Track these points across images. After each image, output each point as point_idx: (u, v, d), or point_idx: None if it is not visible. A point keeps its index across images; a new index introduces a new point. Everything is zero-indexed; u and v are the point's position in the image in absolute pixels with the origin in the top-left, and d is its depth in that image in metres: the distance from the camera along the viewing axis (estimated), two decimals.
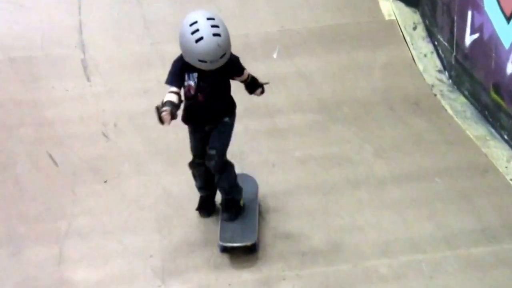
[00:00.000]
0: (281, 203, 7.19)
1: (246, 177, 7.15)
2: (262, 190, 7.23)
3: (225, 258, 6.72)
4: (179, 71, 5.99)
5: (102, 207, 7.23)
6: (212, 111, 6.25)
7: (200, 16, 5.70)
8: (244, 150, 7.77)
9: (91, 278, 6.52)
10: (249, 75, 6.48)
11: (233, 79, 6.35)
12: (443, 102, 8.40)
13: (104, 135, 7.93)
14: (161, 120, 5.96)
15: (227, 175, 6.57)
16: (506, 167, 7.56)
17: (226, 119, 6.39)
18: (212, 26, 5.63)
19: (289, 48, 8.87)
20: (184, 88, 6.08)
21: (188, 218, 7.24)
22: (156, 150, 7.87)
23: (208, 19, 5.65)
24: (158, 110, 5.86)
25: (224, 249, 6.51)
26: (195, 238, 6.99)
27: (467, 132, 8.01)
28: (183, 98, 6.15)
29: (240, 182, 6.82)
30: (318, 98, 8.36)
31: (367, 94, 8.37)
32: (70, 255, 6.66)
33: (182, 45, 5.84)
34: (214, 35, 5.58)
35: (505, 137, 7.73)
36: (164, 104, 5.88)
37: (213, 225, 6.96)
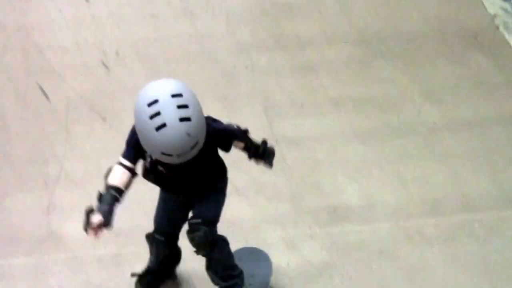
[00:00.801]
0: (310, 150, 7.24)
1: (252, 253, 6.41)
2: (288, 133, 7.26)
3: (240, 211, 6.77)
4: (137, 145, 4.98)
5: (99, 149, 7.27)
6: (189, 185, 5.44)
7: (162, 93, 4.64)
8: (268, 88, 7.78)
9: (83, 231, 6.59)
10: (251, 143, 5.58)
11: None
12: (507, 36, 8.41)
13: (104, 65, 7.97)
14: (86, 230, 5.13)
15: (220, 253, 5.74)
16: None
17: (215, 185, 5.63)
18: (179, 106, 4.58)
19: None
20: (145, 162, 5.21)
21: None
22: None
23: (173, 96, 4.60)
24: (87, 214, 5.05)
25: None
26: None
27: None
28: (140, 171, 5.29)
29: (240, 261, 6.01)
30: (358, 29, 8.33)
31: (416, 25, 8.34)
32: (61, 203, 6.74)
33: (138, 130, 4.82)
34: (182, 119, 4.56)
35: None
36: (100, 198, 5.07)
37: None
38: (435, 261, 6.43)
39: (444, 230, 6.60)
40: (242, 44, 8.36)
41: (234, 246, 6.22)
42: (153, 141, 4.60)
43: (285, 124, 7.46)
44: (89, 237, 5.03)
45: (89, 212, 4.98)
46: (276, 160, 6.35)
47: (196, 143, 4.71)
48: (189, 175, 5.26)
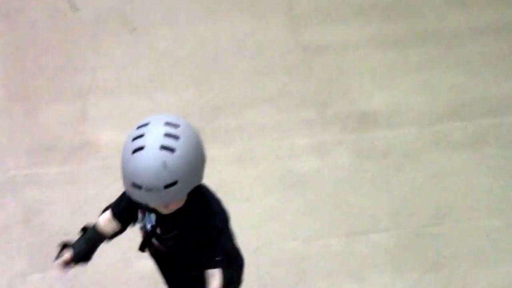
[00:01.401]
0: (336, 57, 7.24)
1: None
2: (314, 41, 7.23)
3: (267, 119, 6.88)
4: (128, 203, 4.33)
5: (129, 59, 7.28)
6: (179, 267, 4.58)
7: (156, 118, 3.97)
8: None
9: (118, 140, 6.60)
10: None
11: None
12: None
13: None
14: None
15: None
16: None
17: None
18: (167, 135, 3.80)
19: None
20: (140, 230, 4.43)
21: (227, 73, 7.26)
22: None
23: (166, 123, 3.87)
24: (61, 248, 4.51)
25: None
26: (235, 96, 7.04)
27: None
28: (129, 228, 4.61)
29: None
30: None
31: None
32: (94, 113, 6.83)
33: (121, 158, 4.08)
34: (164, 148, 3.76)
35: None
36: (83, 233, 4.54)
37: None
38: (462, 165, 6.50)
39: (471, 134, 6.64)
40: None
41: (263, 154, 6.53)
42: (126, 166, 3.84)
43: (311, 32, 7.45)
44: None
45: (63, 246, 4.43)
46: (302, 69, 6.70)
47: (173, 184, 3.82)
48: (180, 256, 4.40)
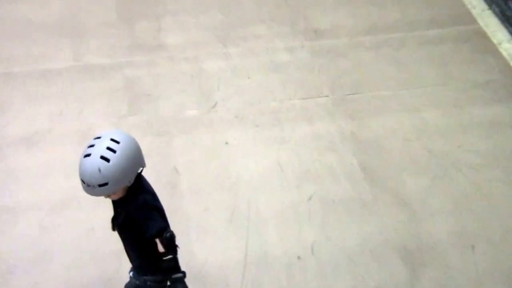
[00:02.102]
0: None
1: None
2: None
3: (261, 32, 7.04)
4: None
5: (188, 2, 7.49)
6: (130, 259, 4.20)
7: (107, 134, 3.81)
8: None
9: (178, 42, 7.12)
10: (166, 252, 3.92)
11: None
12: None
13: None
14: None
15: None
16: None
17: (140, 280, 4.18)
18: (108, 148, 3.71)
19: None
20: None
21: (240, 4, 7.51)
22: None
23: (111, 139, 3.75)
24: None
25: None
26: (243, 18, 7.26)
27: None
28: None
29: None
30: None
31: None
32: (166, 27, 7.29)
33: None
34: (102, 157, 3.68)
35: None
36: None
37: None
38: (370, 59, 6.78)
39: (374, 43, 6.92)
40: None
41: (258, 51, 6.85)
42: (79, 166, 3.74)
43: None
44: None
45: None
46: (281, 3, 7.19)
47: (105, 184, 3.72)
48: (127, 250, 4.14)
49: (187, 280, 3.94)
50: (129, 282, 4.18)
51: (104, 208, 4.53)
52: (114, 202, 3.95)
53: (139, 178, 3.92)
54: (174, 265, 3.96)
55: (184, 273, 4.02)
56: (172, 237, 3.92)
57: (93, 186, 3.70)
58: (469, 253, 5.10)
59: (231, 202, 5.49)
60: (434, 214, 5.39)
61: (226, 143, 6.01)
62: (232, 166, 5.79)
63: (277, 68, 6.75)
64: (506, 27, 7.06)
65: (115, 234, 3.96)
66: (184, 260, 4.57)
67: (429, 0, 7.47)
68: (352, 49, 6.95)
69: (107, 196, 3.81)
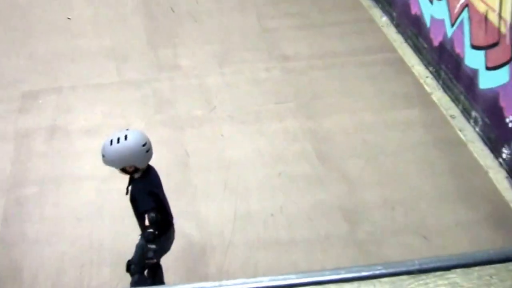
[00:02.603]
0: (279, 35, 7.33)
1: None
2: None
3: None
4: None
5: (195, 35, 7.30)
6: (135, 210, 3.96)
7: (128, 131, 3.74)
8: None
9: (189, 63, 6.86)
10: (148, 227, 3.72)
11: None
12: None
13: None
14: None
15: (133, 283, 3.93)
16: (381, 18, 7.53)
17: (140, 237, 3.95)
18: (118, 138, 3.70)
19: None
20: None
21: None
22: None
23: (125, 135, 3.70)
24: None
25: None
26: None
27: (361, 1, 7.83)
28: None
29: None
30: None
31: None
32: (180, 53, 7.04)
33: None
34: (111, 141, 3.70)
35: (380, 6, 7.53)
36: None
37: None
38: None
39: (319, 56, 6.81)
40: None
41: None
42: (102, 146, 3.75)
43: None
44: None
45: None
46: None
47: (103, 156, 3.73)
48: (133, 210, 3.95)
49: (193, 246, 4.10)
50: (138, 241, 4.03)
51: None
52: (129, 179, 3.90)
53: (149, 170, 3.88)
54: (152, 238, 3.72)
55: (155, 251, 3.75)
56: (155, 217, 3.71)
57: (105, 160, 3.73)
58: (390, 212, 5.04)
59: (225, 176, 5.45)
60: (366, 185, 5.33)
61: (222, 135, 5.94)
62: (226, 151, 5.74)
63: (258, 82, 6.64)
64: (417, 55, 6.97)
65: None
66: (192, 216, 4.84)
67: (365, 35, 7.33)
68: (310, 69, 6.80)
69: (121, 171, 3.77)
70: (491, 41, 5.29)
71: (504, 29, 5.08)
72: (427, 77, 6.61)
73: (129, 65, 6.91)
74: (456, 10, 5.88)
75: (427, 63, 6.70)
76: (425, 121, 5.97)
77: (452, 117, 6.03)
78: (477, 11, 5.50)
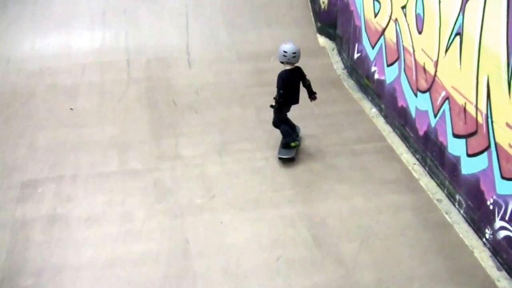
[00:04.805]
0: None
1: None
2: None
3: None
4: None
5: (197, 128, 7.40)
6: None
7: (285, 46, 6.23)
8: None
9: (190, 153, 6.86)
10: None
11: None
12: (343, 82, 8.49)
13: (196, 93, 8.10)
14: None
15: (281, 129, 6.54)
16: (371, 109, 7.81)
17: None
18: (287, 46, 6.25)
19: None
20: None
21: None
22: None
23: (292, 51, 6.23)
24: None
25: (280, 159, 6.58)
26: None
27: (352, 94, 8.15)
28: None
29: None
30: None
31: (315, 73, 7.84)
32: (181, 143, 7.05)
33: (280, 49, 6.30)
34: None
35: (369, 98, 7.98)
36: None
37: None
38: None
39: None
40: None
41: None
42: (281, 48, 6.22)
43: None
44: None
45: None
46: None
47: (283, 56, 6.23)
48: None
49: None
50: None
51: None
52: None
53: (292, 69, 6.30)
54: (276, 102, 6.33)
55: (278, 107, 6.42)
56: (278, 97, 6.35)
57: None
58: None
59: (225, 262, 5.52)
60: (361, 268, 5.43)
61: (221, 222, 6.06)
62: (226, 238, 5.82)
63: (256, 171, 6.68)
64: (405, 143, 7.20)
65: None
66: None
67: (356, 125, 7.45)
68: (306, 158, 6.95)
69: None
70: (470, 130, 5.61)
71: (481, 119, 5.42)
72: (414, 164, 6.82)
73: (131, 155, 6.91)
74: (438, 102, 6.21)
75: (414, 151, 6.93)
76: (414, 205, 6.14)
77: (439, 201, 6.25)
78: (456, 103, 5.84)
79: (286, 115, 6.61)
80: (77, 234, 5.78)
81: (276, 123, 6.54)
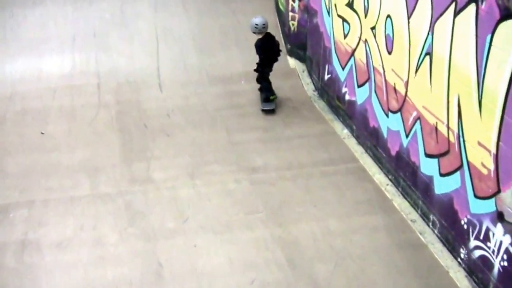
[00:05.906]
0: None
1: None
2: None
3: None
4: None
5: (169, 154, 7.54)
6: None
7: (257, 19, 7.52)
8: None
9: (162, 176, 6.85)
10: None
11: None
12: (314, 104, 8.51)
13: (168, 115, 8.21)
14: None
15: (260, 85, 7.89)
16: (342, 130, 7.82)
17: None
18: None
19: None
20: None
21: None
22: None
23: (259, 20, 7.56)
24: None
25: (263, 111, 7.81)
26: None
27: (324, 116, 8.16)
28: None
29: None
30: None
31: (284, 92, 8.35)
32: (153, 167, 7.07)
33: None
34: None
35: (341, 119, 7.98)
36: None
37: None
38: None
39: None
40: None
41: None
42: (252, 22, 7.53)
43: None
44: None
45: None
46: None
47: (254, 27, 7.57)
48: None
49: None
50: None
51: None
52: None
53: (265, 36, 7.70)
54: (259, 66, 7.81)
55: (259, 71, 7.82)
56: (259, 62, 7.82)
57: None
58: None
59: (199, 286, 5.49)
60: None
61: (195, 245, 6.01)
62: (199, 261, 5.78)
63: (228, 193, 6.69)
64: (377, 164, 7.23)
65: None
66: None
67: (328, 147, 7.53)
68: (278, 180, 6.90)
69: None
70: (442, 149, 5.63)
71: (453, 139, 5.47)
72: (387, 184, 6.85)
73: (102, 179, 6.89)
74: (410, 122, 6.25)
75: (386, 172, 6.96)
76: (387, 226, 6.15)
77: (413, 221, 6.26)
78: (428, 123, 5.90)
79: (268, 74, 7.92)
80: (49, 258, 5.74)
81: (259, 80, 7.88)
